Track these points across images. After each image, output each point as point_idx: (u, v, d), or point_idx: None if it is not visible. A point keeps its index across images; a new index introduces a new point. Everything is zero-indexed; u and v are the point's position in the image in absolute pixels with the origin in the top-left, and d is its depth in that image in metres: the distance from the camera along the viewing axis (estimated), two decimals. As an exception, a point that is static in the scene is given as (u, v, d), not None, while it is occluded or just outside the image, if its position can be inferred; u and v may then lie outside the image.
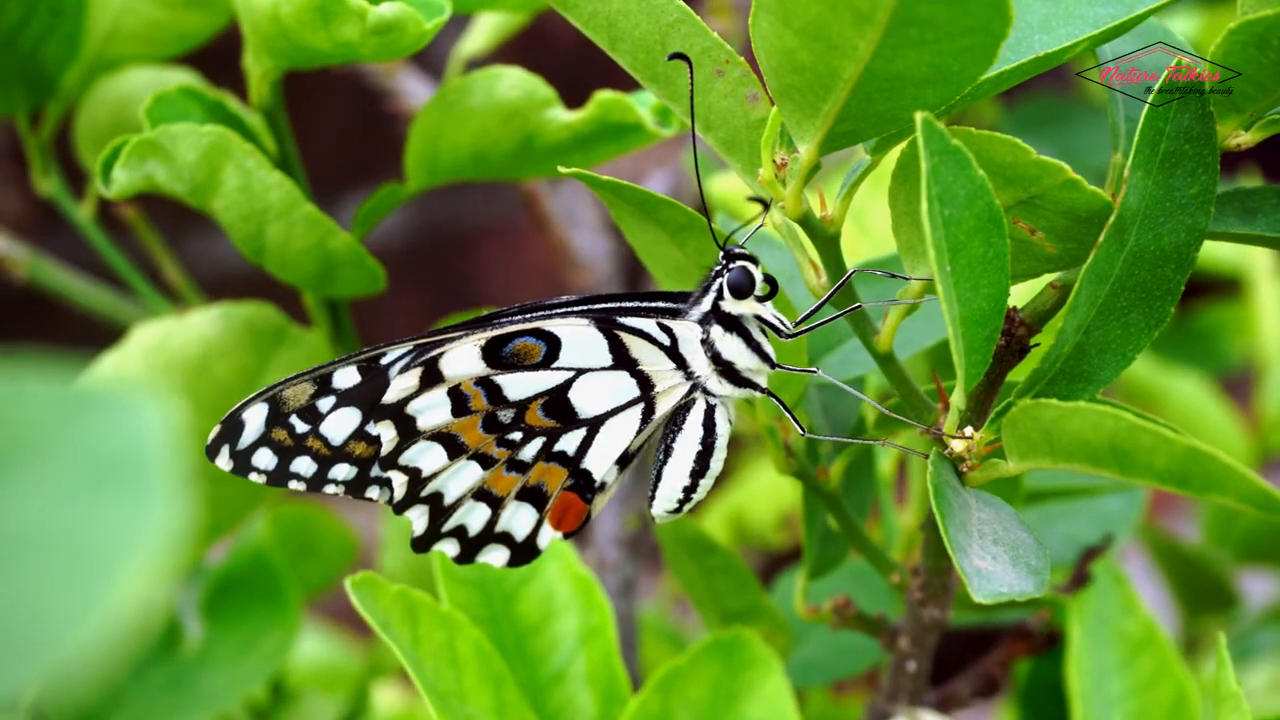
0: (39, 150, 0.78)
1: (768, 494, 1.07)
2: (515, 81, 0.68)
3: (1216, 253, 1.22)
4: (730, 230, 0.59)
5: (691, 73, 0.54)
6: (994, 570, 0.51)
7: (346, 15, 0.62)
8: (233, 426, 0.58)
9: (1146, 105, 0.53)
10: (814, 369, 0.58)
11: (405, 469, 0.58)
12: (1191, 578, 1.15)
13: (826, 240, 0.56)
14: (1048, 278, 0.57)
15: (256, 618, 0.85)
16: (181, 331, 0.73)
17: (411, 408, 0.58)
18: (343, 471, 0.59)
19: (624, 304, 0.58)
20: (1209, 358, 1.26)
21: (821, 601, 0.69)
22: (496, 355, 0.57)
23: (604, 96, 0.68)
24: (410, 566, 0.84)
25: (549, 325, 0.57)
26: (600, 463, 0.59)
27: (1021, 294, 0.58)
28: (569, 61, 0.97)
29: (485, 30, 0.85)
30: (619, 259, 0.92)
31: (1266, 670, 1.19)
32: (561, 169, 0.57)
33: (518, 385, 0.58)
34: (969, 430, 0.55)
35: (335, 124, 1.54)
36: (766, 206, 0.55)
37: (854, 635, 0.74)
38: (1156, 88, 0.53)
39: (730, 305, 0.57)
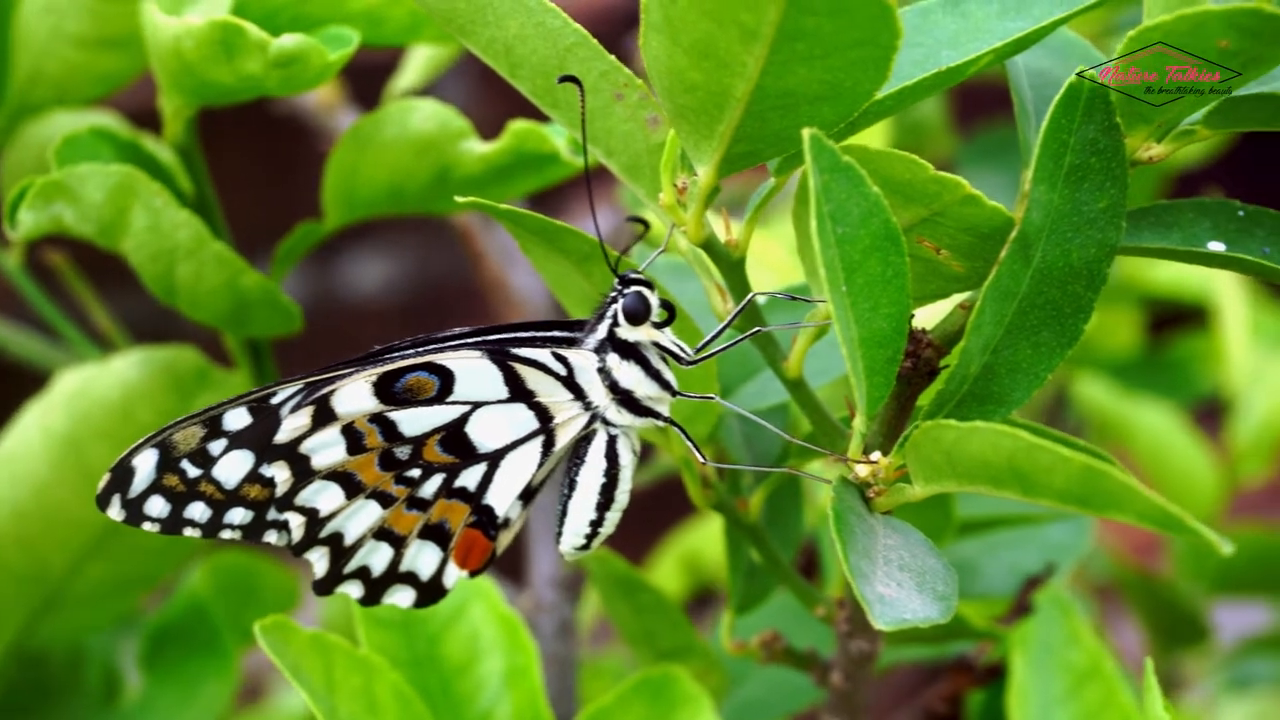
0: (-35, 198, 0.77)
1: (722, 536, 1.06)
2: (429, 113, 0.67)
3: (1184, 282, 1.21)
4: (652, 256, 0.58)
5: (583, 95, 0.53)
6: (898, 597, 0.50)
7: (248, 49, 0.61)
8: (123, 474, 0.56)
9: (1047, 118, 0.51)
10: (711, 396, 0.57)
11: (302, 510, 0.57)
12: (1164, 612, 1.14)
13: (730, 265, 0.55)
14: (959, 298, 0.56)
15: (195, 668, 0.84)
16: (103, 377, 0.72)
17: (305, 447, 0.56)
18: (239, 516, 0.57)
19: (519, 334, 0.56)
20: (1181, 388, 1.24)
21: (752, 637, 0.67)
22: (389, 391, 0.56)
23: (518, 126, 0.67)
24: (350, 614, 0.82)
25: (441, 359, 0.56)
26: (502, 498, 0.58)
27: (935, 315, 0.57)
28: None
29: (418, 64, 0.84)
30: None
31: (1253, 701, 1.18)
32: (458, 198, 0.55)
33: (413, 421, 0.56)
34: (875, 455, 0.54)
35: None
36: (647, 227, 0.53)
37: (795, 673, 0.73)
38: (1055, 100, 0.51)
39: (626, 332, 0.55)
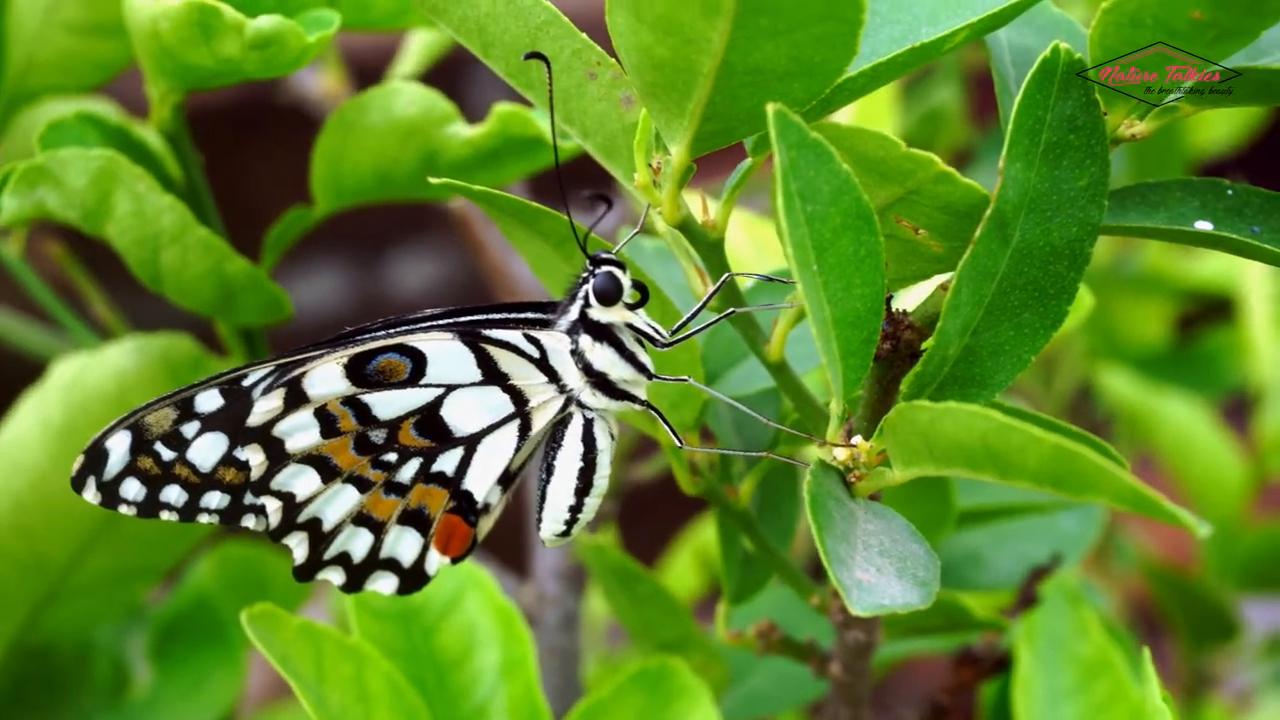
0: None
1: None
2: (412, 97, 0.66)
3: (1219, 276, 1.19)
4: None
5: (550, 73, 0.52)
6: (876, 582, 0.49)
7: (225, 30, 0.60)
8: (96, 456, 0.56)
9: (1020, 94, 0.50)
10: (686, 378, 0.56)
11: (278, 494, 0.56)
12: (1193, 609, 1.12)
13: (709, 246, 0.54)
14: (941, 279, 0.55)
15: (203, 660, 0.83)
16: (97, 366, 0.71)
17: (278, 430, 0.56)
18: (215, 500, 0.57)
19: (491, 315, 0.56)
20: (1210, 382, 1.23)
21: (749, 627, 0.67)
22: (361, 373, 0.55)
23: (503, 109, 0.66)
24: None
25: (412, 340, 0.55)
26: (481, 483, 0.57)
27: (920, 297, 0.56)
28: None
29: (417, 50, 0.83)
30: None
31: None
32: (432, 180, 0.55)
33: (386, 404, 0.56)
34: (856, 439, 0.53)
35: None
36: (610, 205, 0.53)
37: (800, 666, 0.72)
38: (1029, 75, 0.50)
39: (598, 313, 0.55)
